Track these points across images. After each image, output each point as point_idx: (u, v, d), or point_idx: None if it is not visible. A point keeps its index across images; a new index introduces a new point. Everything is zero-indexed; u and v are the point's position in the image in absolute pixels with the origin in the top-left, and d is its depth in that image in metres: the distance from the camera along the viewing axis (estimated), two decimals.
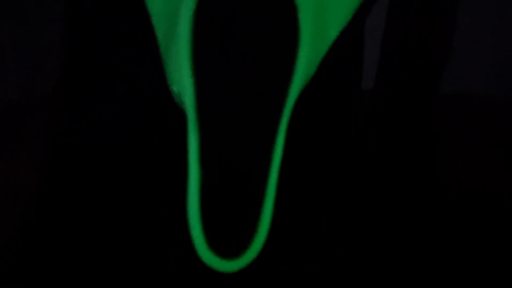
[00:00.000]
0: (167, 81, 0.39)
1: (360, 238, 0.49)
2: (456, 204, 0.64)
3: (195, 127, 0.36)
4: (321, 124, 0.46)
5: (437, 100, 0.51)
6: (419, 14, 0.49)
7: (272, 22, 0.37)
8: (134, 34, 0.44)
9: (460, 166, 0.75)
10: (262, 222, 0.36)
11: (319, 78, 0.41)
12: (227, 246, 0.35)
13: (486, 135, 0.85)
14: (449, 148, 0.76)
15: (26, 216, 0.51)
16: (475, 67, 1.13)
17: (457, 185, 0.68)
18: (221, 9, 0.37)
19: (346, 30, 0.42)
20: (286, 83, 0.37)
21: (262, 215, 0.36)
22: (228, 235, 0.36)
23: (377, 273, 0.49)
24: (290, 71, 0.37)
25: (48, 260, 0.48)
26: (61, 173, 0.48)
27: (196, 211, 0.35)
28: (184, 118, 0.37)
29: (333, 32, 0.41)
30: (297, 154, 0.41)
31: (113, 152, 0.46)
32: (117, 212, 0.46)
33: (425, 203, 0.51)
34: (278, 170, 0.37)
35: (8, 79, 1.14)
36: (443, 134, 0.72)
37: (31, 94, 1.11)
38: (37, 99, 1.00)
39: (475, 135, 0.85)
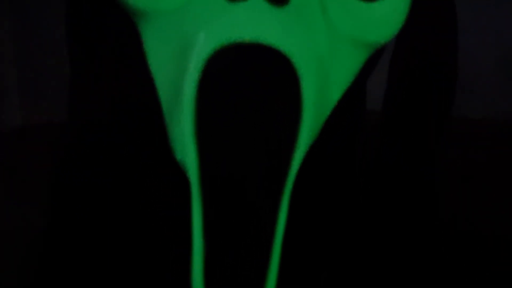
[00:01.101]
0: (171, 146, 0.39)
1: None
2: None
3: (199, 198, 0.37)
4: (324, 178, 0.46)
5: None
6: (426, 39, 0.49)
7: (275, 92, 0.37)
8: (138, 99, 0.44)
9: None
10: None
11: (321, 136, 0.41)
12: None
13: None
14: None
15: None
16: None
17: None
18: (225, 79, 0.37)
19: (349, 91, 0.42)
20: (290, 151, 0.38)
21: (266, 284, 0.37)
22: None
23: None
24: (293, 139, 0.38)
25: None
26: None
27: (200, 281, 0.36)
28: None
29: (335, 95, 0.41)
30: (300, 216, 0.41)
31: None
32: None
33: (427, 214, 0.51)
34: (282, 237, 0.37)
35: (11, 106, 1.15)
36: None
37: (34, 120, 1.12)
38: (40, 125, 1.00)
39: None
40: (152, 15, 0.40)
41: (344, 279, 0.48)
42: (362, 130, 0.48)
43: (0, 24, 1.17)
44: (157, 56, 0.40)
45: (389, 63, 0.51)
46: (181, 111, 0.37)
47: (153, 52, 0.41)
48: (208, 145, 0.37)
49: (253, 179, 0.37)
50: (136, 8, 0.40)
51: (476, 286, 0.55)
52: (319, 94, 0.39)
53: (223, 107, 0.37)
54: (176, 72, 0.39)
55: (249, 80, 0.37)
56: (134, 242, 0.45)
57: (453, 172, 0.70)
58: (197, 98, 0.37)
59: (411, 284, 0.49)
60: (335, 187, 0.47)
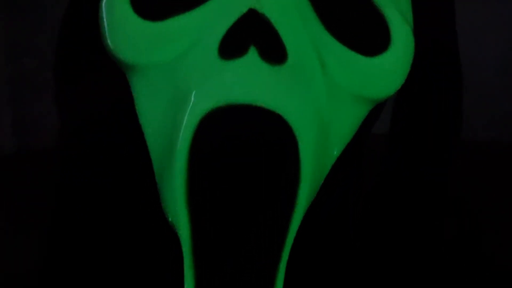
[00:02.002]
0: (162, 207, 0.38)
1: None
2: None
3: (191, 264, 0.36)
4: (321, 239, 0.45)
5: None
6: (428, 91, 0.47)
7: (272, 155, 0.36)
8: (127, 156, 0.44)
9: None
10: None
11: (321, 192, 0.40)
12: None
13: None
14: None
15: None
16: None
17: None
18: (219, 142, 0.36)
19: (350, 145, 0.41)
20: (288, 213, 0.36)
21: None
22: None
23: None
24: (291, 202, 0.36)
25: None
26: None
27: None
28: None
29: (336, 151, 0.40)
30: (297, 276, 0.39)
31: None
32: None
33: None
34: None
35: (4, 134, 1.14)
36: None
37: (27, 148, 1.11)
38: (33, 153, 1.00)
39: None
40: (144, 69, 0.39)
41: None
42: (361, 184, 0.46)
43: None
44: (148, 111, 0.39)
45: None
46: (173, 176, 0.36)
47: (144, 107, 0.40)
48: (201, 211, 0.36)
49: (248, 249, 0.36)
50: (128, 62, 0.39)
51: None
52: (318, 154, 0.38)
53: (217, 171, 0.36)
54: (168, 131, 0.38)
55: (244, 143, 0.36)
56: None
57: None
58: (190, 162, 0.36)
59: None
60: (330, 245, 0.45)
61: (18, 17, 1.18)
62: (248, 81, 0.36)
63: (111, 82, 0.43)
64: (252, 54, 0.36)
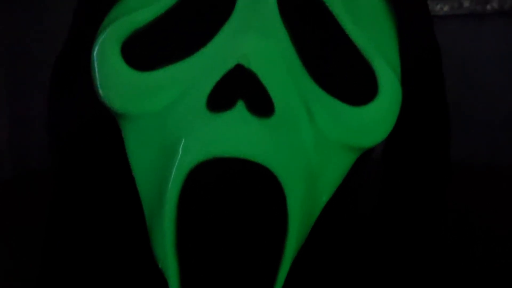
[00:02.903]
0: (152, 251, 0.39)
1: None
2: None
3: None
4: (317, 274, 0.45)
5: None
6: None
7: (259, 207, 0.36)
8: (121, 204, 0.44)
9: None
10: None
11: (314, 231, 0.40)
12: None
13: None
14: None
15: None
16: None
17: None
18: (207, 193, 0.36)
19: (338, 191, 0.41)
20: (275, 263, 0.36)
21: None
22: None
23: None
24: (279, 252, 0.36)
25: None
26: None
27: None
28: None
29: (324, 197, 0.40)
30: None
31: None
32: None
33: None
34: None
35: (3, 159, 1.14)
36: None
37: (25, 172, 1.11)
38: (30, 178, 1.00)
39: None
40: (133, 117, 0.40)
41: None
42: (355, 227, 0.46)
43: None
44: (138, 157, 0.40)
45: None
46: (162, 224, 0.37)
47: (134, 152, 0.40)
48: (190, 260, 0.36)
49: None
50: (117, 111, 0.40)
51: None
52: (306, 204, 0.38)
53: (206, 223, 0.36)
54: (158, 178, 0.38)
55: (232, 196, 0.36)
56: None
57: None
58: (179, 212, 0.36)
59: None
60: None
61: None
62: (236, 135, 0.36)
63: (103, 125, 0.43)
64: (240, 108, 0.36)
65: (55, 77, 0.45)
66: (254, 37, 0.37)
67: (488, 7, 1.08)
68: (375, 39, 0.41)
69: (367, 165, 0.44)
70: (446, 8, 1.10)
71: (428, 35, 0.46)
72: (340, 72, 0.40)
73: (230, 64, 0.36)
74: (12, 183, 1.03)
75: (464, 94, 1.11)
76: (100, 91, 0.40)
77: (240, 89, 0.36)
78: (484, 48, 1.10)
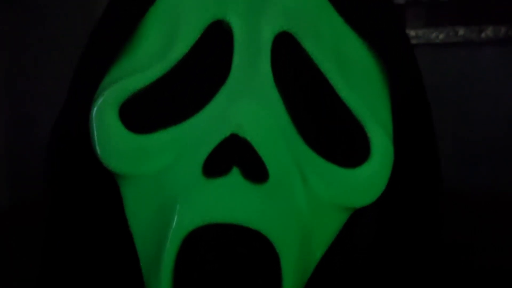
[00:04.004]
0: None
1: None
2: None
3: None
4: None
5: None
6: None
7: (253, 271, 0.37)
8: (117, 258, 0.45)
9: None
10: None
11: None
12: None
13: None
14: None
15: None
16: None
17: None
18: (202, 258, 0.37)
19: (332, 246, 0.42)
20: None
21: None
22: None
23: None
24: None
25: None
26: None
27: None
28: None
29: (318, 254, 0.41)
30: None
31: None
32: None
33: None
34: None
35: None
36: None
37: (22, 202, 1.11)
38: (27, 207, 1.00)
39: None
40: (131, 178, 0.41)
41: None
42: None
43: None
44: (136, 215, 0.41)
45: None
46: (159, 287, 0.38)
47: (132, 211, 0.41)
48: None
49: None
50: (115, 172, 0.41)
51: None
52: (300, 263, 0.39)
53: (202, 285, 0.37)
54: (156, 237, 0.39)
55: (227, 260, 0.37)
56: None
57: None
58: (175, 276, 0.37)
59: None
60: None
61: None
62: (231, 201, 0.37)
63: (103, 183, 0.44)
64: (235, 174, 0.37)
65: (54, 136, 0.46)
66: (249, 106, 0.38)
67: (483, 35, 1.09)
68: (367, 99, 0.42)
69: (361, 220, 0.45)
70: (441, 36, 1.12)
71: (419, 93, 0.46)
72: (333, 134, 0.41)
73: (225, 133, 0.37)
74: (9, 213, 1.03)
75: (460, 121, 1.11)
76: (98, 152, 0.41)
77: (235, 157, 0.37)
78: (479, 75, 1.11)
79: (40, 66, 1.19)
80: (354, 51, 0.43)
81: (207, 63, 0.41)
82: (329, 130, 0.41)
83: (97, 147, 0.41)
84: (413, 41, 1.13)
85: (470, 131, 1.13)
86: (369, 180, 0.40)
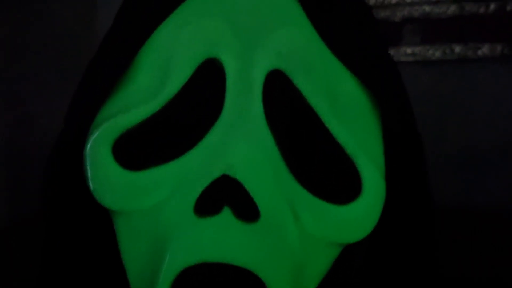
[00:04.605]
0: None
1: None
2: None
3: None
4: None
5: None
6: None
7: None
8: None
9: None
10: None
11: None
12: None
13: None
14: None
15: None
16: None
17: None
18: None
19: (325, 279, 0.42)
20: None
21: None
22: None
23: None
24: None
25: None
26: None
27: None
28: None
29: (311, 286, 0.42)
30: None
31: None
32: None
33: None
34: None
35: None
36: None
37: (20, 219, 1.11)
38: (26, 225, 1.00)
39: None
40: (124, 213, 0.41)
41: None
42: None
43: None
44: (129, 249, 0.41)
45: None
46: None
47: (126, 245, 0.42)
48: None
49: None
50: (108, 207, 0.41)
51: None
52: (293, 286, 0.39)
53: None
54: (149, 272, 0.40)
55: None
56: None
57: None
58: None
59: None
60: None
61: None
62: (222, 240, 0.37)
63: (97, 216, 0.44)
64: (226, 214, 0.37)
65: (49, 168, 0.46)
66: (240, 146, 0.38)
67: (479, 52, 1.09)
68: (359, 135, 0.42)
69: (353, 253, 0.45)
70: (438, 54, 1.12)
71: (411, 130, 0.47)
72: (324, 171, 0.41)
73: (217, 174, 0.38)
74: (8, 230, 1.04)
75: (454, 139, 1.12)
76: (92, 187, 0.41)
77: (226, 196, 0.38)
78: (475, 92, 1.11)
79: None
80: (346, 88, 0.43)
81: (200, 100, 0.42)
82: (321, 167, 0.41)
83: (91, 183, 0.41)
84: (410, 59, 1.14)
85: (466, 147, 1.13)
86: (360, 216, 0.40)
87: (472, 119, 1.12)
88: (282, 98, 0.41)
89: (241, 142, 0.39)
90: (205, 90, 0.42)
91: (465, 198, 1.10)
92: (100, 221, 0.44)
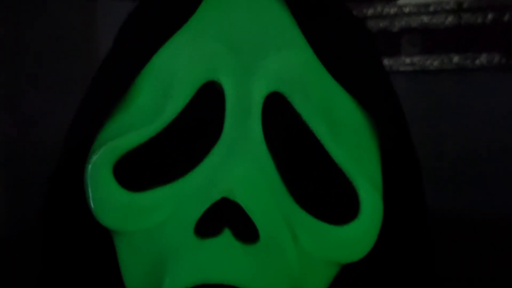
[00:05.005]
0: None
1: None
2: None
3: None
4: None
5: None
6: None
7: None
8: None
9: None
10: None
11: None
12: None
13: None
14: None
15: None
16: None
17: None
18: None
19: None
20: None
21: None
22: None
23: None
24: None
25: None
26: None
27: None
28: None
29: None
30: None
31: None
32: None
33: None
34: None
35: None
36: None
37: (20, 230, 1.12)
38: (26, 235, 1.00)
39: None
40: (126, 233, 0.42)
41: None
42: None
43: None
44: (130, 269, 0.42)
45: None
46: None
47: (126, 264, 0.42)
48: None
49: None
50: (109, 227, 0.42)
51: None
52: None
53: None
54: None
55: None
56: None
57: None
58: None
59: None
60: None
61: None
62: (222, 261, 0.37)
63: (98, 235, 0.45)
64: (226, 235, 0.38)
65: (51, 187, 0.47)
66: (239, 169, 0.39)
67: (477, 62, 1.10)
68: (357, 156, 0.42)
69: (352, 272, 0.45)
70: (436, 63, 1.13)
71: (408, 148, 0.47)
72: (323, 192, 0.42)
73: (217, 196, 0.38)
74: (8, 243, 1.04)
75: (453, 147, 1.12)
76: (93, 207, 0.42)
77: (226, 219, 0.38)
78: (473, 101, 1.12)
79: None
80: (344, 109, 0.44)
81: (200, 122, 0.42)
82: (319, 187, 0.42)
83: (92, 203, 0.42)
84: (409, 68, 1.15)
85: (464, 156, 1.14)
86: (358, 236, 0.41)
87: (470, 127, 1.12)
88: (280, 120, 0.42)
89: (240, 165, 0.39)
90: (205, 112, 0.42)
91: (461, 205, 1.11)
92: (101, 240, 0.45)
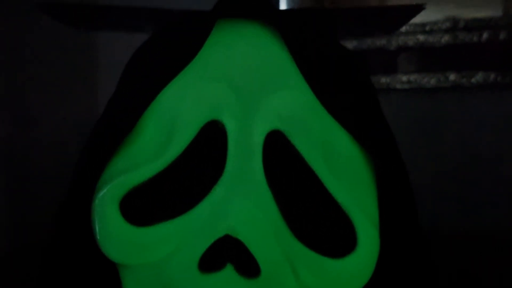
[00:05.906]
0: None
1: None
2: None
3: None
4: None
5: None
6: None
7: None
8: None
9: None
10: None
11: None
12: None
13: None
14: None
15: None
16: None
17: None
18: None
19: None
20: None
21: None
22: None
23: None
24: None
25: None
26: None
27: None
28: None
29: None
30: None
31: None
32: None
33: None
34: None
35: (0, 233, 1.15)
36: None
37: (22, 246, 1.12)
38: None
39: None
40: (131, 266, 0.43)
41: None
42: None
43: None
44: None
45: None
46: None
47: None
48: None
49: None
50: (115, 261, 0.43)
51: None
52: None
53: None
54: None
55: None
56: None
57: None
58: None
59: None
60: None
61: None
62: None
63: (104, 268, 0.46)
64: (229, 270, 0.40)
65: (58, 220, 0.48)
66: (241, 207, 0.41)
67: (473, 80, 1.11)
68: (354, 191, 0.44)
69: None
70: (433, 81, 1.14)
71: (403, 183, 0.49)
72: (321, 227, 0.43)
73: (220, 233, 0.40)
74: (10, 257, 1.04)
75: (450, 165, 1.13)
76: (99, 241, 0.43)
77: (228, 254, 0.40)
78: (470, 119, 1.13)
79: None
80: (342, 145, 0.45)
81: (203, 159, 0.44)
82: (318, 222, 0.44)
83: (98, 237, 0.43)
84: (405, 86, 1.16)
85: (460, 174, 1.14)
86: (356, 269, 0.43)
87: (467, 145, 1.13)
88: (281, 157, 0.44)
89: (242, 202, 0.41)
90: (208, 149, 0.44)
91: (459, 223, 1.12)
92: (107, 272, 0.46)
